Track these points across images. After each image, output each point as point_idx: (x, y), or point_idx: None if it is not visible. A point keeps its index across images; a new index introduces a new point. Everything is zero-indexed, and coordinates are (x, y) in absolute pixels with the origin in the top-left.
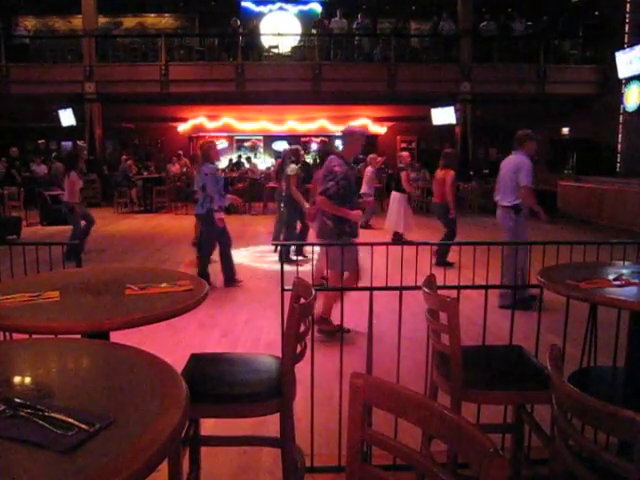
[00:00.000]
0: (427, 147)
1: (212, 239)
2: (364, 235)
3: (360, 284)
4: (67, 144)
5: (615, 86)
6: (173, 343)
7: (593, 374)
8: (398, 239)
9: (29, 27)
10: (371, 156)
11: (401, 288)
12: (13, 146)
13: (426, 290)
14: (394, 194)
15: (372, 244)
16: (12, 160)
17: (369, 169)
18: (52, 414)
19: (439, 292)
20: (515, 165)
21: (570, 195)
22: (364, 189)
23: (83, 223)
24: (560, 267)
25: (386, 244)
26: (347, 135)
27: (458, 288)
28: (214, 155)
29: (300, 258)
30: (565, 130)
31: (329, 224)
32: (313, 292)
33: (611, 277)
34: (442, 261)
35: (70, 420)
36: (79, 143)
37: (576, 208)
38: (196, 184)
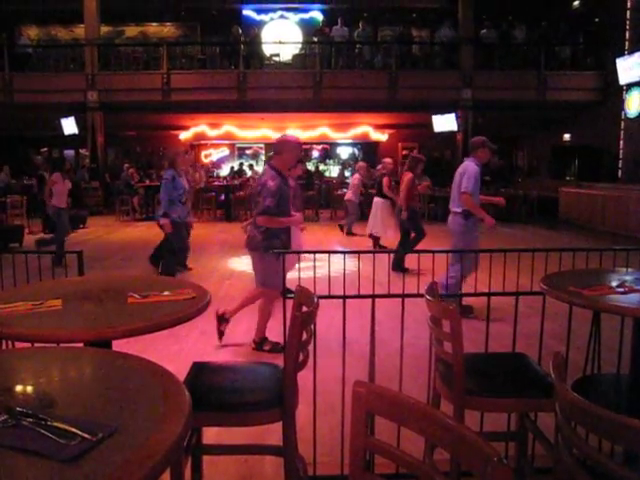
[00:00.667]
0: (428, 154)
1: (178, 242)
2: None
3: (362, 291)
4: (69, 152)
5: (616, 92)
6: (175, 351)
7: (597, 382)
8: (376, 244)
9: (32, 37)
10: (360, 164)
11: (403, 295)
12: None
13: (429, 297)
14: (376, 200)
15: (374, 252)
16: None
17: (356, 176)
18: (55, 423)
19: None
20: (462, 172)
21: (572, 201)
22: (348, 196)
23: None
24: (563, 274)
25: (388, 252)
26: (280, 145)
27: (460, 296)
28: (180, 163)
29: None
30: (567, 136)
31: (257, 237)
32: (315, 300)
33: (614, 284)
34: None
35: (73, 429)
36: (81, 151)
37: (578, 214)
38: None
